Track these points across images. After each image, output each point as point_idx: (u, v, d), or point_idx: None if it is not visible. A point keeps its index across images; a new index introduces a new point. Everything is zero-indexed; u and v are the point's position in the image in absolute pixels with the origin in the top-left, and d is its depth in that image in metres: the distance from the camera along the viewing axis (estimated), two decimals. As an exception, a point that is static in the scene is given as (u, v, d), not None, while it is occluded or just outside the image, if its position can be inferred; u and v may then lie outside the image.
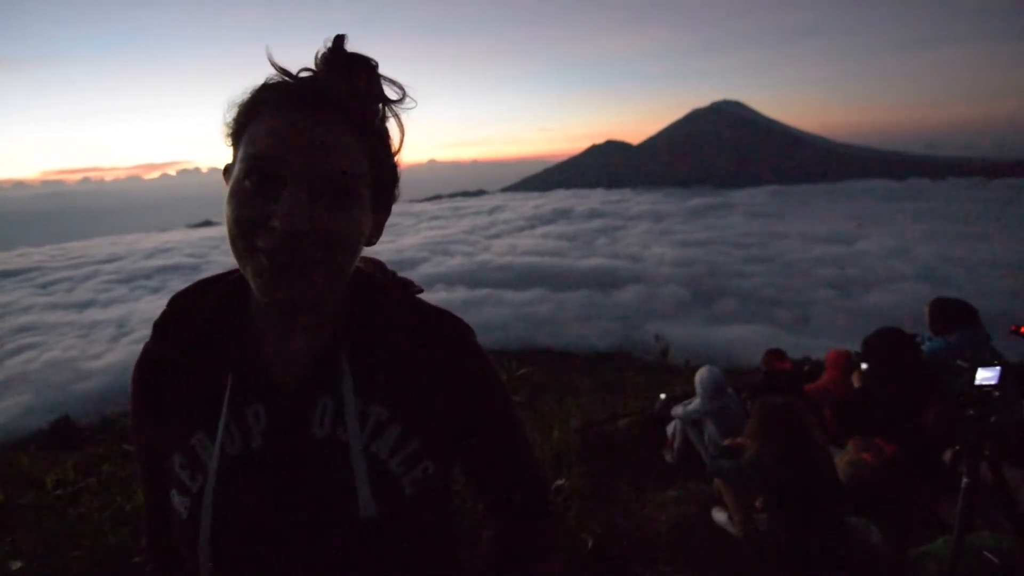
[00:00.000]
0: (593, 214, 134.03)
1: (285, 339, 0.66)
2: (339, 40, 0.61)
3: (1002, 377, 1.65)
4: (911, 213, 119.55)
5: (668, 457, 4.48)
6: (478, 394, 0.73)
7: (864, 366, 3.03)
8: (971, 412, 1.67)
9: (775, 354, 4.26)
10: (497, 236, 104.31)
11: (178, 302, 0.70)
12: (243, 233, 0.57)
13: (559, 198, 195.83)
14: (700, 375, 4.13)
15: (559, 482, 2.15)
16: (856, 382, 3.13)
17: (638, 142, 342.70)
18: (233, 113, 0.60)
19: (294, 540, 0.61)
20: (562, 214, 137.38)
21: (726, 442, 2.99)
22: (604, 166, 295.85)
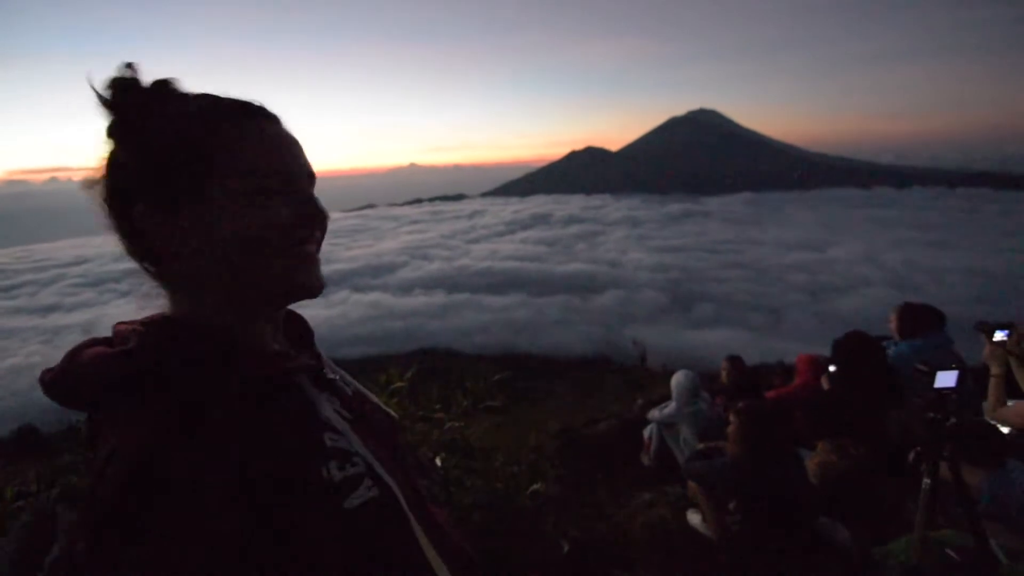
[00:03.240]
0: (572, 219, 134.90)
1: (275, 335, 0.69)
2: None
3: (960, 380, 1.72)
4: (879, 221, 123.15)
5: (645, 460, 4.52)
6: None
7: (832, 369, 3.12)
8: (931, 415, 1.74)
9: (734, 361, 4.34)
10: (477, 241, 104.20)
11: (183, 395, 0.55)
12: (294, 237, 0.63)
13: (539, 203, 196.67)
14: (676, 379, 4.19)
15: (535, 487, 2.16)
16: (825, 385, 3.21)
17: (617, 149, 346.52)
18: (186, 131, 0.59)
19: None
20: (542, 219, 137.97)
21: (700, 445, 3.03)
22: (583, 172, 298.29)
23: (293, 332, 0.74)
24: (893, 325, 3.47)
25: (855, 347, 3.25)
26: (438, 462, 2.14)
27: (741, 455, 2.24)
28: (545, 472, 2.47)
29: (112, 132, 0.60)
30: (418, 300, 54.73)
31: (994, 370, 2.77)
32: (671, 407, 4.23)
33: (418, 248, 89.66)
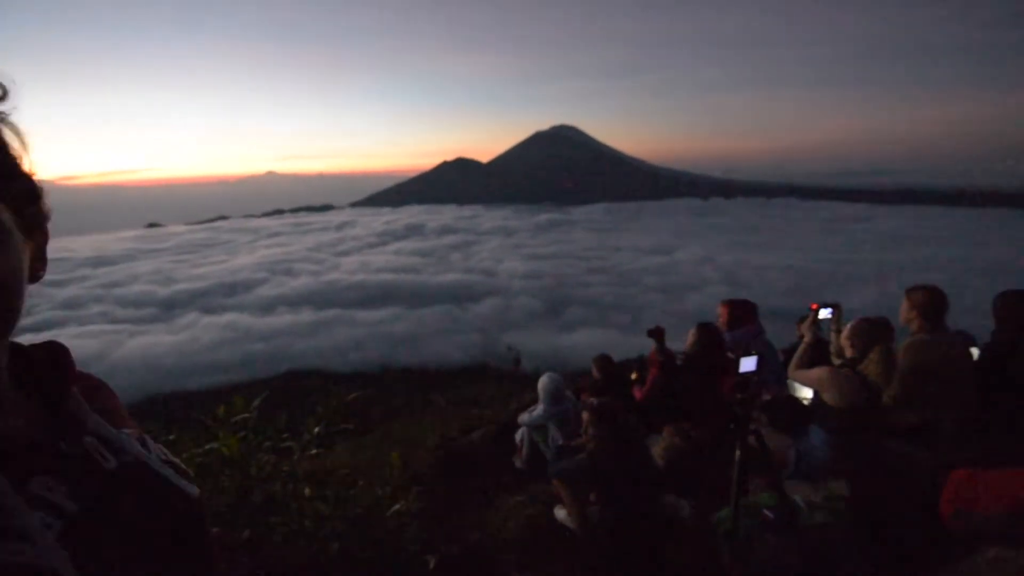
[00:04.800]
0: (446, 230, 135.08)
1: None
2: None
3: (759, 364, 2.02)
4: (714, 227, 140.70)
5: (518, 464, 4.64)
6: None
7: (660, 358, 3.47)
8: (738, 395, 2.02)
9: (601, 360, 4.66)
10: (347, 253, 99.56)
11: None
12: None
13: (411, 214, 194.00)
14: (541, 383, 4.37)
15: (395, 507, 2.10)
16: (651, 376, 3.57)
17: (487, 160, 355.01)
18: None
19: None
20: (415, 230, 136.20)
21: (560, 443, 3.19)
22: (455, 183, 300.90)
23: (33, 375, 0.57)
24: (721, 319, 3.98)
25: (697, 339, 3.68)
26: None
27: (595, 449, 2.40)
28: (409, 490, 2.41)
29: None
30: (282, 319, 50.66)
31: (807, 338, 3.35)
32: (539, 410, 4.40)
33: (280, 262, 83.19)
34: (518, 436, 4.67)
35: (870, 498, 2.75)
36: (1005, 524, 2.35)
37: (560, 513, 2.88)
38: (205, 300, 59.58)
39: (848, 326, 3.24)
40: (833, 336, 3.47)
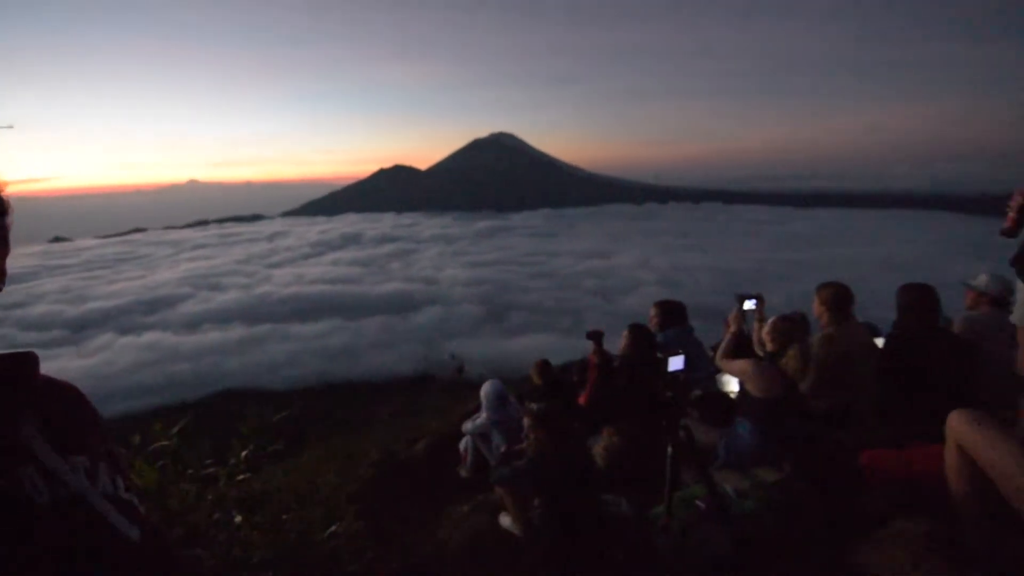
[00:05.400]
0: (385, 238, 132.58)
1: None
2: None
3: (686, 363, 2.12)
4: (649, 231, 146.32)
5: (463, 472, 4.61)
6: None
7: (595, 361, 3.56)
8: (669, 393, 2.11)
9: (541, 365, 4.72)
10: (279, 265, 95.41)
11: None
12: None
13: (348, 223, 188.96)
14: (484, 389, 4.37)
15: (332, 528, 2.03)
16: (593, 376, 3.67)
17: (426, 167, 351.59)
18: None
19: None
20: (352, 239, 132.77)
21: (503, 450, 3.20)
22: (393, 190, 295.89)
23: None
24: (653, 320, 4.14)
25: (631, 340, 3.80)
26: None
27: (536, 454, 2.42)
28: (344, 510, 2.33)
29: None
30: (209, 336, 47.70)
31: (732, 328, 3.53)
32: (482, 417, 4.40)
33: (205, 277, 78.52)
34: (462, 445, 4.63)
35: (794, 481, 2.94)
36: (907, 497, 2.58)
37: (505, 519, 2.88)
38: (122, 319, 55.25)
39: (768, 323, 3.46)
40: (757, 325, 3.70)
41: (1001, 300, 3.31)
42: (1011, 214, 2.25)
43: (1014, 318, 2.52)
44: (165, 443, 2.01)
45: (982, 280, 3.52)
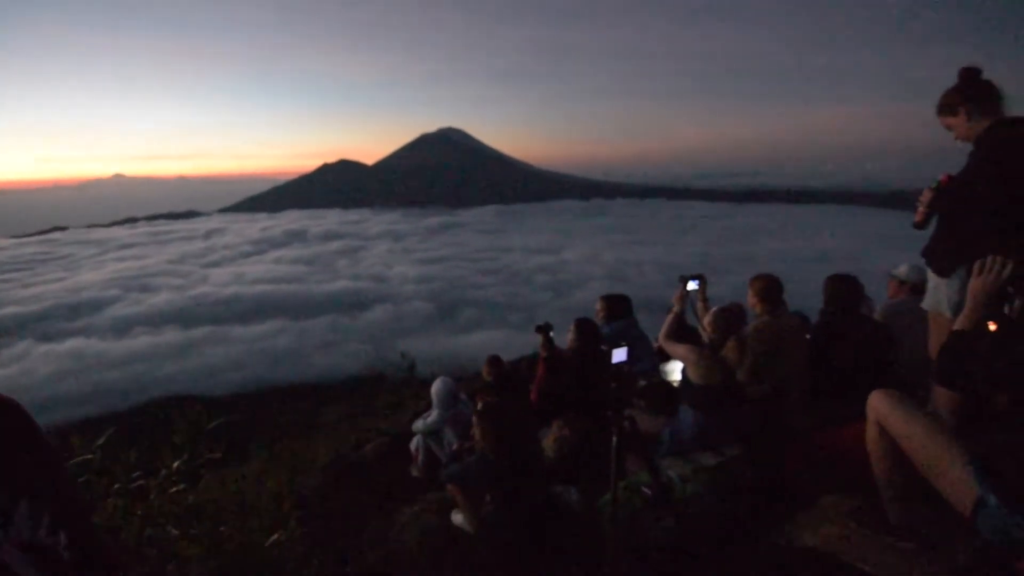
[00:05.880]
0: (331, 235, 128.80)
1: None
2: None
3: (629, 355, 2.18)
4: (597, 227, 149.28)
5: (414, 472, 4.56)
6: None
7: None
8: (613, 384, 2.16)
9: (493, 361, 4.73)
10: (217, 264, 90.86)
11: None
12: None
13: (292, 219, 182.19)
14: (435, 387, 4.34)
15: (274, 537, 1.95)
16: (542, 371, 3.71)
17: (372, 162, 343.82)
18: None
19: None
20: (297, 236, 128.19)
21: (454, 447, 3.19)
22: (338, 186, 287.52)
23: None
24: (599, 314, 4.23)
25: (578, 333, 3.88)
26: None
27: (486, 450, 2.43)
28: (288, 517, 2.25)
29: None
30: (141, 342, 44.86)
31: (675, 308, 3.65)
32: (433, 415, 4.36)
33: (135, 277, 73.72)
34: (413, 444, 4.59)
35: (733, 463, 3.08)
36: (837, 474, 2.76)
37: (457, 517, 2.88)
38: (41, 325, 51.09)
39: (709, 314, 3.60)
40: (700, 304, 3.87)
41: (920, 288, 3.59)
42: (920, 209, 2.44)
43: (925, 304, 2.74)
44: (88, 456, 1.87)
45: (903, 270, 3.81)
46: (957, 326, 1.75)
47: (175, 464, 1.90)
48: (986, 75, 2.40)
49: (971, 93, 2.37)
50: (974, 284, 1.74)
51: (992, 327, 1.78)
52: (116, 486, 1.81)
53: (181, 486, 1.93)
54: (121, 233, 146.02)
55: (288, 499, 2.95)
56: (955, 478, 1.76)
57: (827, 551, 2.26)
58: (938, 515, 2.16)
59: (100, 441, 1.90)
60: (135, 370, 36.91)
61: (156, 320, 51.52)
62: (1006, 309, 1.73)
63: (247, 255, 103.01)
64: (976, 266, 1.75)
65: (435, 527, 3.12)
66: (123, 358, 39.91)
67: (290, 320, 50.54)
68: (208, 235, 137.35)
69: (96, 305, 58.80)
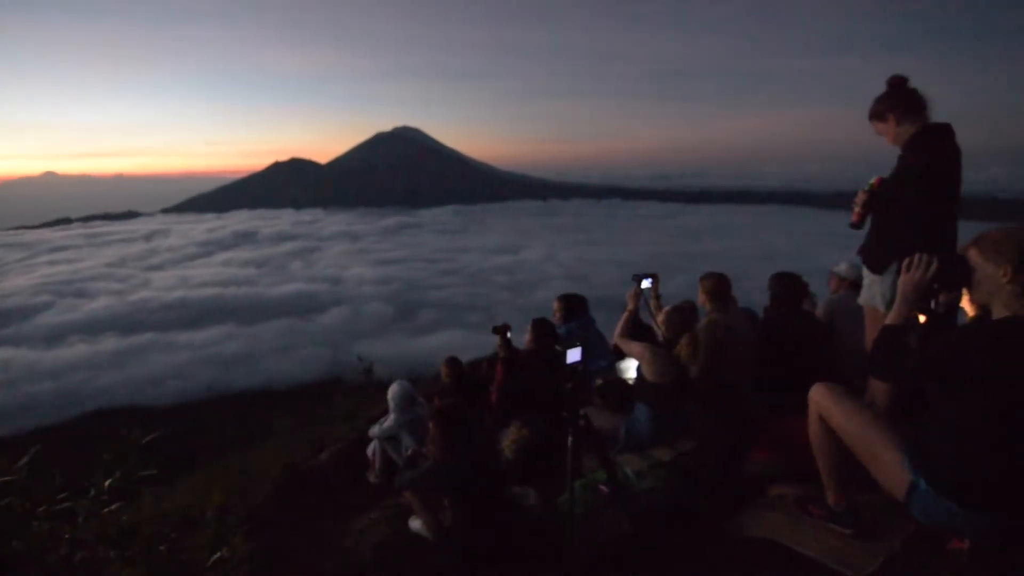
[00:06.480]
0: (283, 236, 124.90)
1: None
2: None
3: (584, 355, 2.20)
4: (554, 227, 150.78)
5: (372, 478, 4.46)
6: None
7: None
8: (568, 384, 2.18)
9: (451, 362, 4.69)
10: (160, 267, 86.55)
11: None
12: None
13: (241, 220, 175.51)
14: (391, 391, 4.26)
15: (217, 554, 1.85)
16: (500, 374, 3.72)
17: (326, 161, 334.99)
18: None
19: None
20: (246, 237, 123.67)
21: (409, 452, 3.14)
22: (290, 185, 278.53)
23: None
24: (556, 313, 4.26)
25: (534, 333, 3.89)
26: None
27: (441, 453, 2.40)
28: (232, 532, 2.14)
29: None
30: (76, 351, 42.10)
31: (629, 306, 3.72)
32: (390, 419, 4.27)
33: (69, 282, 69.25)
34: (370, 450, 4.48)
35: (687, 457, 3.17)
36: (783, 465, 2.88)
37: (415, 523, 2.83)
38: (-39, 335, 47.17)
39: (663, 312, 3.68)
40: (654, 302, 3.95)
41: (859, 284, 3.79)
42: (856, 209, 2.57)
43: (861, 300, 2.89)
44: (10, 478, 1.73)
45: (842, 267, 4.01)
46: (888, 321, 1.84)
47: (106, 482, 1.77)
48: (913, 83, 2.55)
49: (899, 100, 2.52)
50: (903, 280, 1.84)
51: (922, 319, 1.89)
52: (42, 508, 1.68)
53: (115, 505, 1.81)
54: (53, 235, 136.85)
55: (236, 512, 2.82)
56: (889, 465, 1.86)
57: (773, 539, 2.35)
58: (876, 501, 2.29)
59: (24, 460, 1.76)
60: (70, 381, 34.64)
61: (93, 327, 48.53)
62: (932, 304, 1.83)
63: (193, 257, 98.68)
64: (905, 263, 1.85)
65: (392, 534, 3.06)
66: (56, 369, 37.36)
67: (240, 325, 48.69)
68: (150, 236, 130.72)
69: (26, 312, 54.88)
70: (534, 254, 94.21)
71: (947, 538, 2.03)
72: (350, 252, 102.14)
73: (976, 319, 1.80)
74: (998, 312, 1.67)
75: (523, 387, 3.63)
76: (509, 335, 4.03)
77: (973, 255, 1.69)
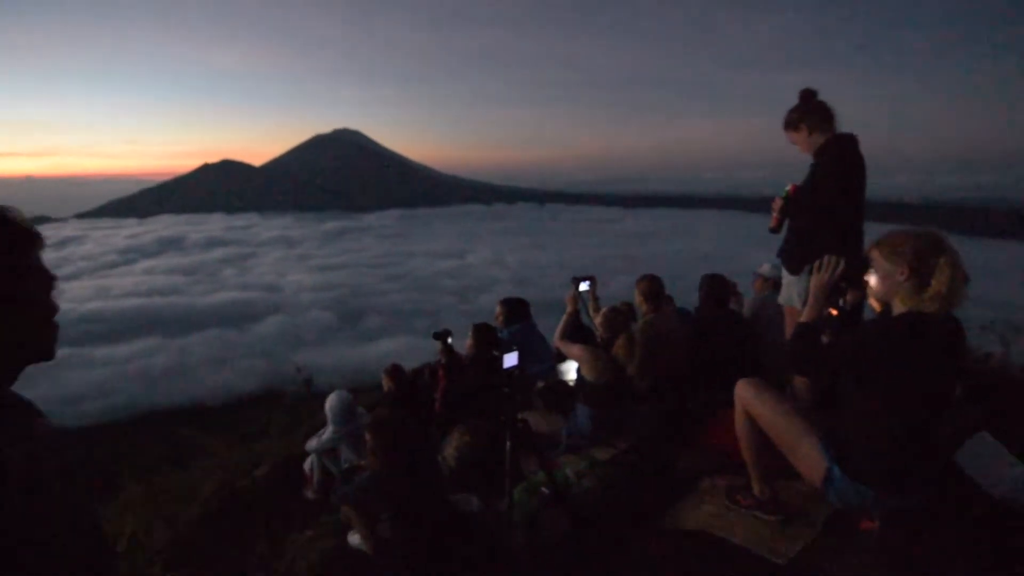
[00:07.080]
0: (213, 242, 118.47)
1: None
2: None
3: (520, 359, 2.21)
4: (499, 231, 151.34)
5: (309, 494, 4.29)
6: None
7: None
8: (506, 390, 2.18)
9: (392, 370, 4.59)
10: (75, 276, 79.88)
11: None
12: None
13: (166, 225, 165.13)
14: (329, 402, 4.11)
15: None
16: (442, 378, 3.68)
17: (260, 164, 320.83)
18: None
19: None
20: (172, 244, 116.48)
21: (346, 467, 3.04)
22: (221, 188, 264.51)
23: None
24: (498, 318, 4.26)
25: (476, 339, 3.87)
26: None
27: (379, 466, 2.34)
28: (153, 560, 1.98)
29: None
30: (-24, 370, 38.09)
31: (569, 309, 3.79)
32: (328, 432, 4.13)
33: (-34, 295, 62.53)
34: (307, 465, 4.31)
35: (625, 455, 3.24)
36: (714, 458, 3.00)
37: (353, 538, 2.74)
38: None
39: (600, 313, 3.76)
40: (592, 304, 4.05)
41: (780, 284, 4.02)
42: (774, 215, 2.73)
43: (781, 299, 3.06)
44: None
45: (766, 268, 4.24)
46: (802, 318, 1.96)
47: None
48: (822, 96, 2.75)
49: (809, 112, 2.70)
50: (814, 280, 1.97)
51: (834, 313, 2.03)
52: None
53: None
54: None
55: (158, 541, 2.62)
56: (807, 454, 1.98)
57: (705, 530, 2.45)
58: (798, 488, 2.42)
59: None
60: (-33, 404, 31.30)
61: None
62: (840, 302, 1.97)
63: (112, 266, 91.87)
64: (815, 264, 1.97)
65: (331, 551, 2.95)
66: (-50, 391, 33.66)
67: (166, 337, 45.71)
68: (63, 244, 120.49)
69: (-89, 330, 49.11)
70: (480, 258, 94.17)
71: (859, 519, 2.18)
72: (288, 258, 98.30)
73: (879, 315, 1.94)
74: (897, 308, 1.81)
75: (465, 393, 3.60)
76: (451, 341, 3.99)
77: (875, 255, 1.83)
